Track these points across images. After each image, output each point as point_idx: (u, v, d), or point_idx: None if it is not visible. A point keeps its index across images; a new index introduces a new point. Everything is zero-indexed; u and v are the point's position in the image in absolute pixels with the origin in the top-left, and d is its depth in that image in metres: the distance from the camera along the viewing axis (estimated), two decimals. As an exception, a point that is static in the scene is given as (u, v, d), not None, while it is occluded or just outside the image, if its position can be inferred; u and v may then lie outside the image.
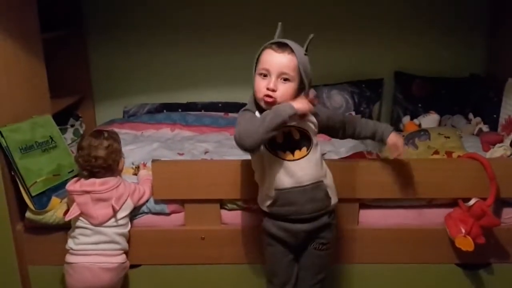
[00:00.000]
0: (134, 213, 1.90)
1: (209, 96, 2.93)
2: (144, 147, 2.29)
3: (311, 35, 1.56)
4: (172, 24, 2.84)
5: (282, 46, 1.53)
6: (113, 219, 1.81)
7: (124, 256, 1.86)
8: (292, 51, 1.52)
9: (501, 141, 2.23)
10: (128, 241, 1.89)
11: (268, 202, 1.63)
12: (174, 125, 2.68)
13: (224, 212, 1.96)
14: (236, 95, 2.92)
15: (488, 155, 2.10)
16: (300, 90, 1.57)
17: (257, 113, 1.59)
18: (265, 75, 1.53)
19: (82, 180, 1.82)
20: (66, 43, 2.67)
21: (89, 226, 1.80)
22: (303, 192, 1.59)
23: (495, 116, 2.46)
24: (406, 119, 2.75)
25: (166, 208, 1.93)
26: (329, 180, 1.66)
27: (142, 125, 2.67)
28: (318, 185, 1.61)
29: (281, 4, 2.81)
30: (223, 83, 2.95)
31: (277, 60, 1.52)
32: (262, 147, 1.56)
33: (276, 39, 1.57)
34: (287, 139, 1.58)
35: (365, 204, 1.94)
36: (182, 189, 1.88)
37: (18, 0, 1.98)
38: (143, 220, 1.93)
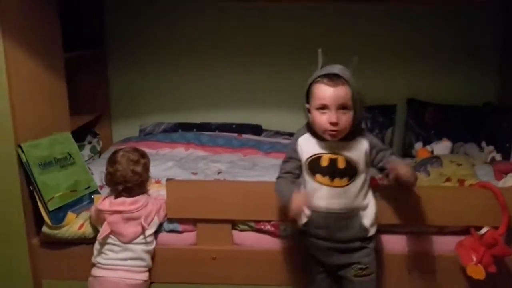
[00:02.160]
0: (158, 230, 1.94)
1: (222, 117, 2.97)
2: (159, 166, 2.33)
3: (356, 58, 1.60)
4: (189, 45, 2.90)
5: (333, 79, 1.55)
6: (141, 236, 1.85)
7: (147, 273, 1.89)
8: (345, 81, 1.55)
9: (514, 170, 2.23)
10: (153, 259, 1.92)
11: (304, 221, 1.67)
12: (189, 144, 2.72)
13: (235, 233, 1.98)
14: (249, 117, 2.96)
15: (500, 184, 2.10)
16: (358, 111, 1.60)
17: (310, 136, 1.66)
18: (323, 109, 1.56)
19: (111, 198, 1.86)
20: (87, 62, 2.74)
21: (118, 243, 1.83)
22: (336, 219, 1.62)
23: (508, 145, 2.47)
24: (418, 145, 2.76)
25: (179, 226, 1.95)
26: (369, 212, 1.67)
27: (157, 144, 2.71)
28: (353, 215, 1.63)
29: (292, 29, 2.87)
30: (236, 104, 2.99)
31: (333, 94, 1.54)
32: (305, 168, 1.64)
33: (324, 71, 1.58)
34: (331, 165, 1.61)
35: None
36: (194, 208, 1.91)
37: (42, 20, 2.06)
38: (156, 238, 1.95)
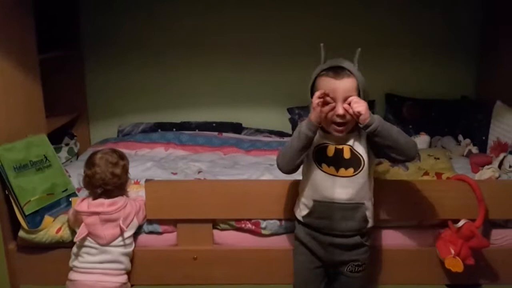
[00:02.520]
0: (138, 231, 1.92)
1: (203, 116, 2.96)
2: (138, 166, 2.30)
3: (359, 49, 1.59)
4: (167, 45, 2.88)
5: (339, 72, 1.55)
6: (119, 239, 1.82)
7: (126, 276, 1.86)
8: (349, 73, 1.55)
9: (490, 162, 2.26)
10: (132, 261, 1.90)
11: (305, 212, 1.67)
12: (168, 144, 2.70)
13: (216, 232, 1.97)
14: (230, 115, 2.95)
15: (477, 176, 2.13)
16: None
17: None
18: (327, 103, 1.54)
19: (89, 200, 1.83)
20: (63, 63, 2.70)
21: (95, 245, 1.81)
22: (341, 209, 1.62)
23: (484, 138, 2.50)
24: (397, 140, 2.78)
25: (159, 228, 1.94)
26: (371, 203, 1.68)
27: (136, 144, 2.69)
28: (357, 206, 1.63)
29: (271, 27, 2.87)
30: (217, 103, 2.98)
31: (339, 87, 1.54)
32: (311, 157, 1.61)
33: (328, 64, 1.58)
34: (337, 155, 1.61)
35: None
36: (174, 208, 1.90)
37: (16, 21, 2.02)
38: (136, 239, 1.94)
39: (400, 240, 1.96)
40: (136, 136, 2.79)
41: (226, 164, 2.48)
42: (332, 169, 1.60)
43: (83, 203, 1.82)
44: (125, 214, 1.82)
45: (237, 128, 2.95)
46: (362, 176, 1.61)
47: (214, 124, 2.92)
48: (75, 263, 1.82)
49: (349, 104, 1.52)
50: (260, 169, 2.30)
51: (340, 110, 1.53)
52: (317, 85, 1.59)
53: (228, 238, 1.97)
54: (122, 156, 1.88)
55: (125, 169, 1.87)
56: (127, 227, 1.83)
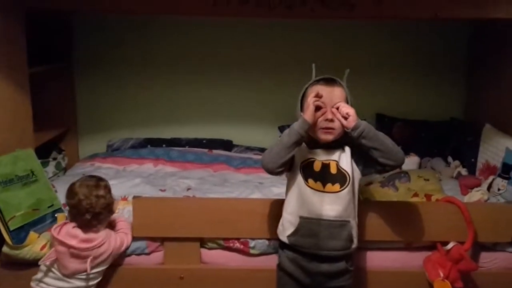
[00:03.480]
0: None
1: (193, 132, 2.95)
2: (126, 182, 2.28)
3: (347, 70, 1.64)
4: (159, 60, 2.88)
5: (329, 81, 1.62)
6: (84, 273, 1.78)
7: None
8: (340, 84, 1.61)
9: (479, 185, 2.27)
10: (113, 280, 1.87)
11: (290, 231, 1.65)
12: (157, 160, 2.68)
13: (204, 251, 1.95)
14: (221, 132, 2.95)
15: (466, 199, 2.14)
16: None
17: (303, 144, 1.64)
18: (318, 108, 1.58)
19: (69, 226, 1.79)
20: (53, 77, 2.68)
21: (57, 272, 1.78)
22: (328, 226, 1.61)
23: (473, 160, 2.51)
24: (387, 160, 2.78)
25: (146, 249, 1.91)
26: (355, 222, 1.67)
27: (125, 160, 2.66)
28: (344, 223, 1.62)
29: (263, 45, 2.88)
30: (208, 119, 2.97)
31: (330, 93, 1.59)
32: (298, 171, 1.61)
33: (320, 76, 1.64)
34: (324, 170, 1.61)
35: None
36: (162, 226, 1.88)
37: (6, 34, 2.00)
38: (120, 257, 1.91)
39: (388, 262, 1.95)
40: (125, 152, 2.76)
41: (215, 181, 2.47)
42: (319, 185, 1.60)
43: (62, 229, 1.78)
44: (98, 253, 1.77)
45: (227, 145, 2.94)
46: (348, 192, 1.61)
47: (204, 141, 2.91)
48: (33, 284, 1.79)
49: (337, 108, 1.56)
50: (250, 187, 2.29)
51: (329, 115, 1.57)
52: (307, 94, 1.62)
53: (216, 257, 1.95)
54: (100, 178, 1.86)
55: (108, 189, 1.84)
56: (96, 265, 1.78)
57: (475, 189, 2.20)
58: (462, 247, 1.83)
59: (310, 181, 1.61)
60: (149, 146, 2.84)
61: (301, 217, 1.63)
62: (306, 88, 1.64)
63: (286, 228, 1.67)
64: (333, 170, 1.61)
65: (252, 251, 1.93)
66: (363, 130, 1.53)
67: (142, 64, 2.88)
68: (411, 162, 2.68)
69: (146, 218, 1.87)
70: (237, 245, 1.92)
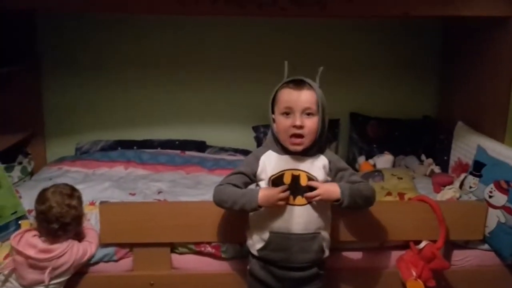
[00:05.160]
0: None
1: (166, 134, 2.89)
2: (95, 187, 2.22)
3: (321, 68, 1.60)
4: (129, 59, 2.81)
5: (299, 84, 1.55)
6: (42, 284, 1.71)
7: None
8: (310, 86, 1.55)
9: (451, 182, 2.28)
10: None
11: (259, 246, 1.60)
12: (128, 163, 2.61)
13: (174, 256, 1.90)
14: (194, 133, 2.90)
15: (438, 197, 2.14)
16: (322, 123, 1.56)
17: (272, 152, 1.60)
18: (288, 114, 1.53)
19: (28, 234, 1.72)
20: (19, 79, 2.59)
21: (15, 283, 1.71)
22: (298, 240, 1.57)
23: (446, 158, 2.53)
24: (361, 159, 2.79)
25: (114, 256, 1.86)
26: (327, 233, 1.64)
27: (94, 163, 2.59)
28: (314, 236, 1.58)
29: (236, 45, 2.84)
30: (181, 121, 2.92)
31: (298, 97, 1.53)
32: (264, 185, 1.57)
33: (290, 78, 1.58)
34: (294, 182, 1.56)
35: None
36: (130, 232, 1.82)
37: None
38: (87, 264, 1.85)
39: (362, 262, 1.93)
40: (95, 154, 2.69)
41: (188, 183, 2.42)
42: (289, 198, 1.55)
43: (23, 237, 1.71)
44: (57, 264, 1.71)
45: (201, 146, 2.89)
46: (319, 204, 1.57)
47: (177, 142, 2.86)
48: None
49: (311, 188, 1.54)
50: (223, 189, 2.24)
51: (297, 121, 1.51)
52: (278, 97, 1.57)
53: (187, 262, 1.91)
54: (74, 188, 1.80)
55: (80, 200, 1.78)
56: (56, 276, 1.72)
57: (448, 187, 2.21)
58: (435, 245, 1.83)
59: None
60: (119, 148, 2.77)
61: (271, 232, 1.57)
62: (277, 91, 1.59)
63: (255, 242, 1.62)
64: (304, 181, 1.56)
65: (224, 255, 1.89)
66: (345, 205, 1.54)
67: (112, 64, 2.81)
68: (385, 160, 2.69)
69: (114, 224, 1.81)
70: (209, 249, 1.88)
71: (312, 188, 1.55)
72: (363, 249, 1.93)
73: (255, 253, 1.63)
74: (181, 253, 1.90)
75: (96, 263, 1.85)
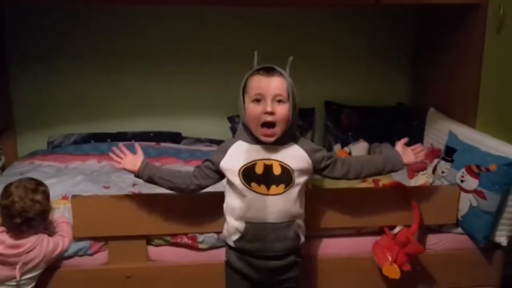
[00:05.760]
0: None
1: (140, 126, 2.85)
2: (67, 181, 2.17)
3: (291, 57, 1.59)
4: (101, 53, 2.75)
5: (269, 71, 1.54)
6: (14, 280, 1.68)
7: None
8: (280, 73, 1.53)
9: (425, 168, 2.31)
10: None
11: (236, 237, 1.60)
12: (102, 156, 2.56)
13: (150, 248, 1.89)
14: (169, 125, 2.87)
15: (412, 182, 2.17)
16: (293, 111, 1.54)
17: (242, 142, 1.58)
18: (258, 101, 1.51)
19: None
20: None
21: None
22: (273, 229, 1.56)
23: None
24: (337, 147, 2.80)
25: (89, 250, 1.83)
26: (302, 220, 1.64)
27: (67, 157, 2.54)
28: (289, 224, 1.58)
29: (209, 35, 2.81)
30: (155, 112, 2.88)
31: (269, 84, 1.51)
32: (236, 178, 1.55)
33: (260, 65, 1.56)
34: (267, 172, 1.54)
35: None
36: (104, 225, 1.80)
37: None
38: (61, 258, 1.82)
39: (338, 249, 1.95)
40: (67, 148, 2.64)
41: (163, 175, 2.39)
42: (263, 188, 1.54)
43: None
44: (27, 259, 1.68)
45: (176, 137, 2.86)
46: (293, 191, 1.56)
47: (151, 134, 2.82)
48: None
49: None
50: (198, 180, 2.23)
51: (268, 108, 1.50)
52: (248, 84, 1.56)
53: (163, 254, 1.90)
54: (40, 183, 1.76)
55: (46, 195, 1.74)
56: (26, 272, 1.69)
57: (421, 172, 2.24)
58: (409, 230, 1.86)
59: (254, 185, 1.54)
60: (92, 141, 2.72)
61: (247, 222, 1.57)
62: (247, 78, 1.57)
63: (231, 233, 1.61)
64: (277, 171, 1.55)
65: (200, 246, 1.88)
66: None
67: (83, 56, 2.74)
68: (360, 147, 2.71)
69: (87, 218, 1.79)
70: (185, 240, 1.87)
71: (284, 174, 1.54)
72: (339, 236, 1.95)
73: (231, 244, 1.63)
74: (157, 245, 1.89)
75: (71, 257, 1.82)
